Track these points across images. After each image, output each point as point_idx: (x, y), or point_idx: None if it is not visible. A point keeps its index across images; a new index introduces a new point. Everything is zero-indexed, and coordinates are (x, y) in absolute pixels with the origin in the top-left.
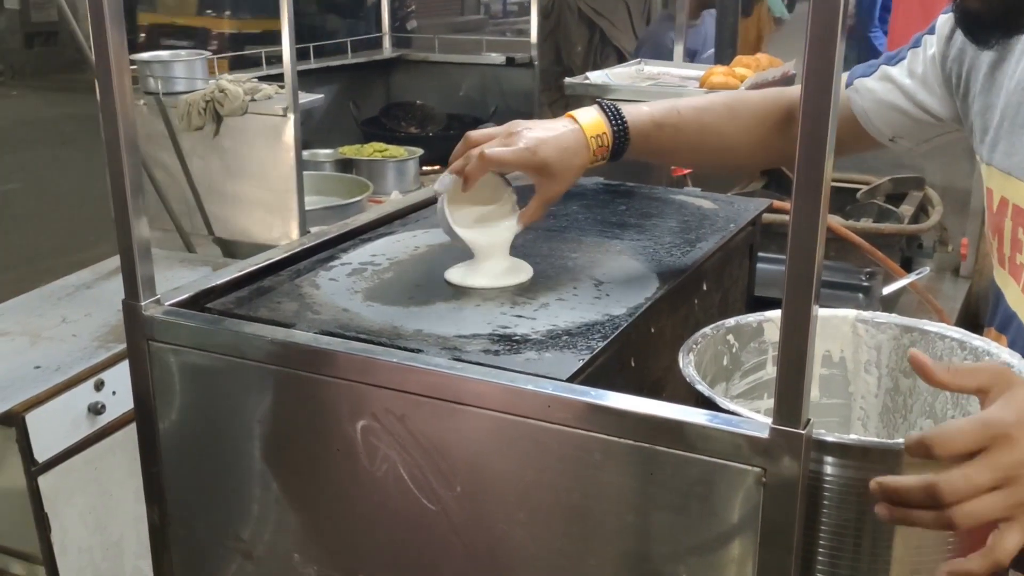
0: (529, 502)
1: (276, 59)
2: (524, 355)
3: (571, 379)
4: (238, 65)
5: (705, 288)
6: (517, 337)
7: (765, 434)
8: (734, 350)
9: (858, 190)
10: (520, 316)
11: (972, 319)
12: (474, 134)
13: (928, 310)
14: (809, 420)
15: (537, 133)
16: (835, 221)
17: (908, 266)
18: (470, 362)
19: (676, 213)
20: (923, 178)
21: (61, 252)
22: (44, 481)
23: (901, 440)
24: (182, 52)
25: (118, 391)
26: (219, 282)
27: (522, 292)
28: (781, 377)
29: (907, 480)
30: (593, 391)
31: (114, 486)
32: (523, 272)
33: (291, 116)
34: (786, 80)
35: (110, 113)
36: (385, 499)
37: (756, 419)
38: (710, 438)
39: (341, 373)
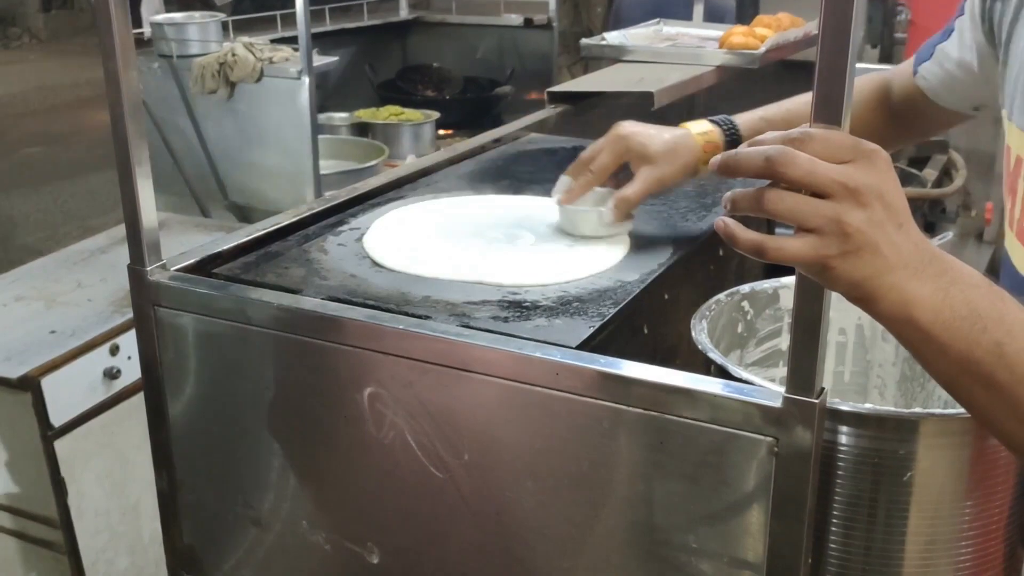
0: (537, 470)
1: (291, 21)
2: (534, 322)
3: (581, 346)
4: (252, 27)
5: (722, 254)
6: (527, 303)
7: (778, 403)
8: (749, 317)
9: None
10: (530, 281)
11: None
12: (586, 153)
13: None
14: (823, 389)
15: (641, 128)
16: None
17: (931, 231)
18: (478, 328)
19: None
20: (947, 141)
21: (79, 216)
22: (60, 445)
23: (917, 410)
24: (196, 14)
25: (133, 356)
26: (226, 247)
27: (533, 256)
28: (794, 345)
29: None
30: (602, 359)
31: (130, 450)
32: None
33: (305, 79)
34: (808, 41)
35: (113, 77)
36: (393, 467)
37: (769, 388)
38: (721, 407)
39: (348, 340)
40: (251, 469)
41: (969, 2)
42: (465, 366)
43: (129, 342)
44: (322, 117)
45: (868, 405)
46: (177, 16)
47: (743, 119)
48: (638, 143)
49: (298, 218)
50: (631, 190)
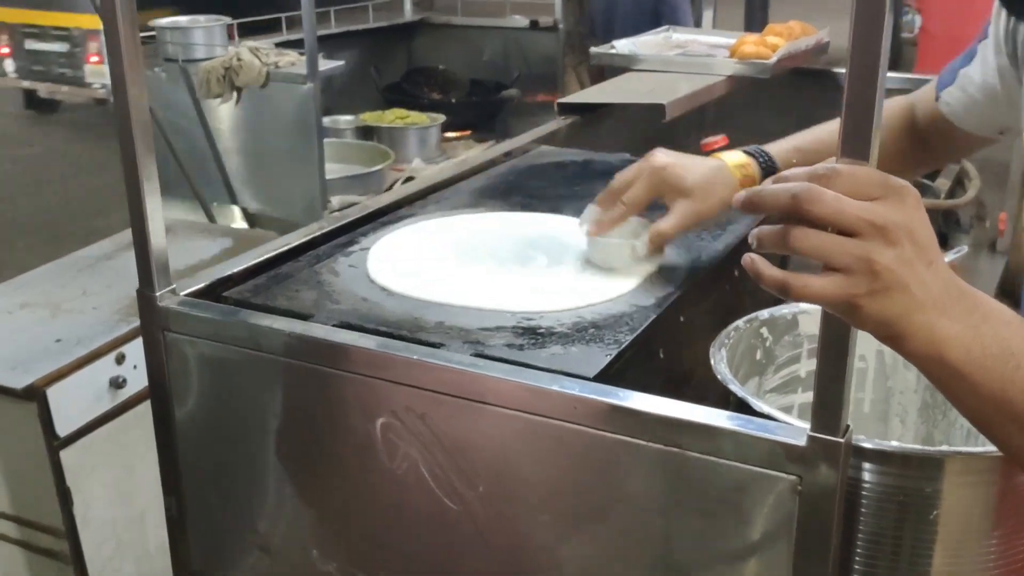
0: (554, 504)
1: (297, 23)
2: (549, 349)
3: (598, 376)
4: (257, 30)
5: (737, 274)
6: (542, 330)
7: (802, 441)
8: (768, 344)
9: None
10: (545, 306)
11: (1010, 295)
12: (618, 183)
13: None
14: (848, 427)
15: (677, 160)
16: None
17: (944, 242)
18: (493, 357)
19: None
20: None
21: (82, 216)
22: (66, 455)
23: (944, 448)
24: (201, 18)
25: (139, 365)
26: (236, 269)
27: (548, 277)
28: (820, 383)
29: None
30: (621, 392)
31: (136, 459)
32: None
33: (311, 85)
34: (819, 48)
35: (121, 94)
36: (406, 497)
37: (792, 424)
38: (743, 444)
39: (360, 369)
40: (261, 496)
41: (992, 25)
42: (481, 398)
43: (135, 351)
44: (327, 120)
45: (894, 443)
46: (182, 19)
47: (776, 149)
48: (674, 176)
49: (309, 238)
50: (668, 225)
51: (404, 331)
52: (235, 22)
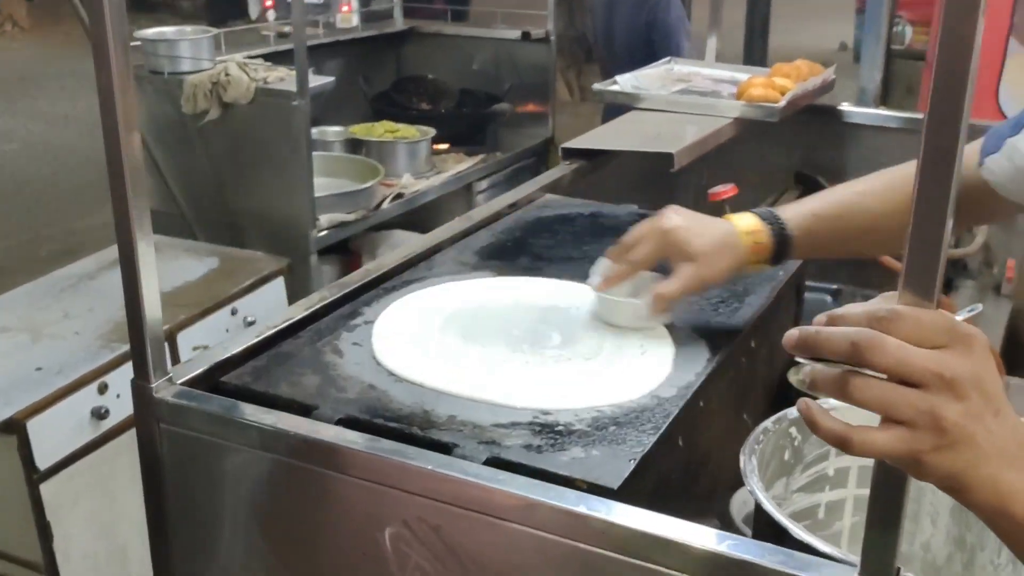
0: None
1: (284, 34)
2: (569, 452)
3: (623, 486)
4: (244, 41)
5: (753, 345)
6: (560, 427)
7: None
8: (796, 443)
9: None
10: (562, 395)
11: (1016, 341)
12: (628, 239)
13: None
14: (899, 570)
15: (685, 223)
16: None
17: (949, 287)
18: (511, 462)
19: None
20: None
21: (62, 218)
22: (46, 489)
23: None
24: (187, 29)
25: (122, 394)
26: (234, 351)
27: (563, 358)
28: (871, 526)
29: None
30: (654, 518)
31: (118, 490)
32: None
33: (302, 102)
34: (826, 86)
35: (114, 144)
36: None
37: (840, 564)
38: None
39: (371, 476)
40: None
41: None
42: (499, 514)
43: (117, 379)
44: (315, 131)
45: None
46: (168, 31)
47: (790, 214)
48: (681, 240)
49: (310, 311)
50: (669, 288)
51: (415, 427)
52: (222, 31)
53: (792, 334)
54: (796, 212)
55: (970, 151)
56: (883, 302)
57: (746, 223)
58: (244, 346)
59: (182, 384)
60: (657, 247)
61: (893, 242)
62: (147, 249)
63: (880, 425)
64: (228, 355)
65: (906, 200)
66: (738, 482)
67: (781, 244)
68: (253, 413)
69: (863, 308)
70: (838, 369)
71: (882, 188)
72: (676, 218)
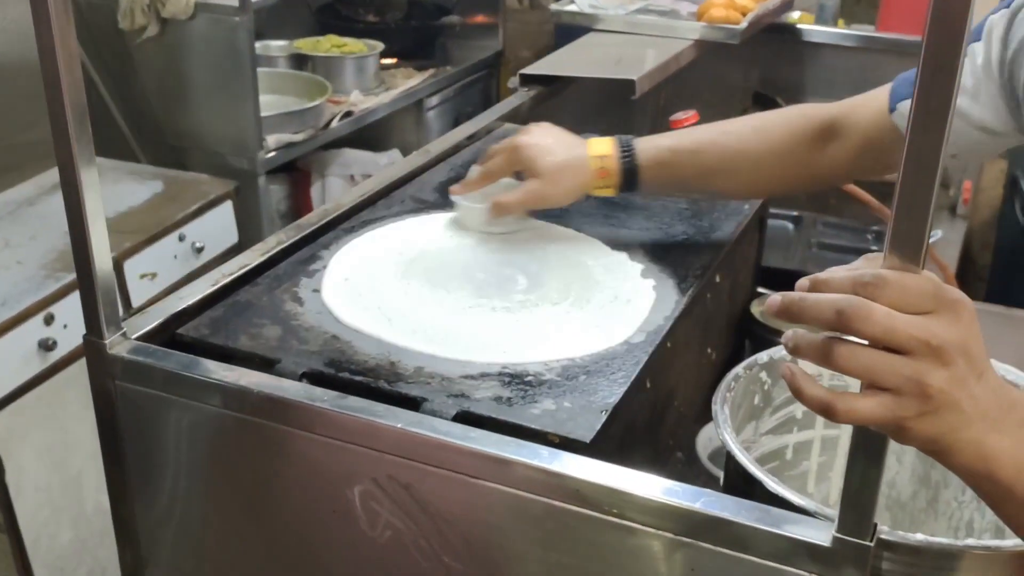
0: None
1: None
2: (540, 404)
3: (595, 439)
4: None
5: (718, 280)
6: (530, 378)
7: (827, 542)
8: (766, 387)
9: None
10: (531, 344)
11: (969, 259)
12: (489, 151)
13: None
14: (876, 527)
15: (539, 140)
16: None
17: None
18: (482, 416)
19: None
20: None
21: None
22: None
23: (970, 541)
24: None
25: (69, 324)
26: (190, 302)
27: (531, 303)
28: (849, 483)
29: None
30: (629, 474)
31: (70, 420)
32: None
33: (244, 18)
34: (786, 4)
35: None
36: (388, 566)
37: (819, 517)
38: (762, 540)
39: (338, 435)
40: (225, 556)
41: (982, 52)
42: (472, 472)
43: (64, 310)
44: (258, 46)
45: (919, 536)
46: None
47: (646, 145)
48: (528, 157)
49: (267, 256)
50: (510, 199)
51: (382, 381)
52: None
53: (775, 300)
54: (652, 144)
55: (881, 95)
56: (867, 264)
57: (598, 148)
58: (200, 296)
59: (137, 339)
60: (508, 161)
61: (754, 184)
62: (94, 198)
63: (863, 392)
64: (183, 306)
65: (773, 143)
66: (702, 417)
67: (629, 173)
68: (214, 370)
69: (847, 273)
70: (821, 335)
71: (749, 130)
72: (534, 136)
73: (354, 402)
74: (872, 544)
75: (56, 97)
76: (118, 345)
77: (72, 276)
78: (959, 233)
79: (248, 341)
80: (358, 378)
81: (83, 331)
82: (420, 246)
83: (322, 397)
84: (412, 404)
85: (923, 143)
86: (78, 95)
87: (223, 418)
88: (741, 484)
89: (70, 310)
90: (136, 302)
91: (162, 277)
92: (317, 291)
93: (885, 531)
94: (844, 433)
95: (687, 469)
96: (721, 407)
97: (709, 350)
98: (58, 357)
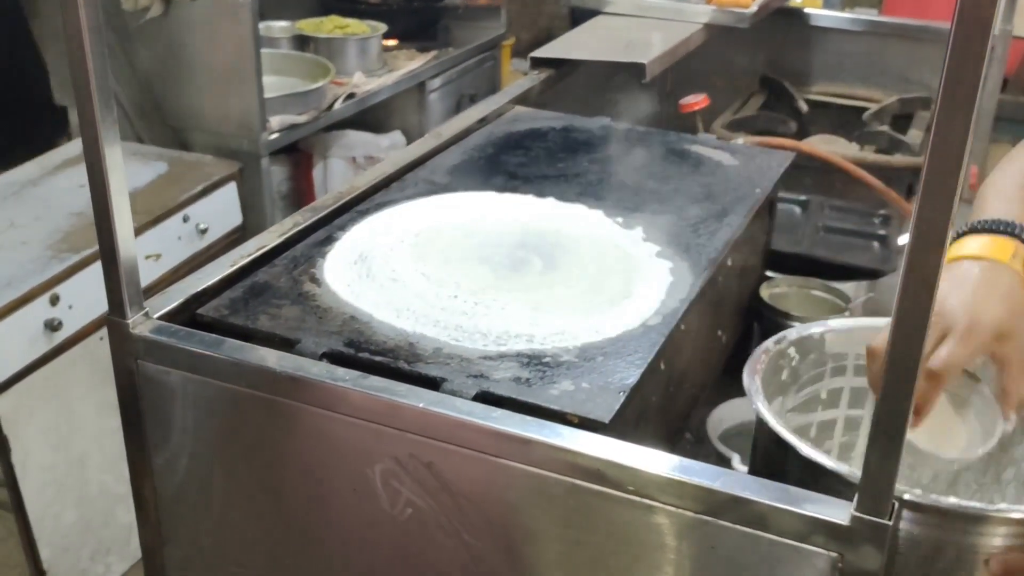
0: (572, 565)
1: None
2: (559, 385)
3: (614, 419)
4: None
5: (730, 263)
6: (548, 359)
7: (846, 520)
8: (793, 363)
9: (863, 109)
10: (549, 325)
11: None
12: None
13: None
14: (895, 506)
15: (959, 300)
16: (843, 153)
17: (911, 192)
18: (501, 397)
19: (695, 172)
20: (931, 97)
21: None
22: (2, 402)
23: (1002, 505)
24: None
25: (75, 304)
26: (209, 283)
27: (547, 284)
28: (870, 461)
29: None
30: (650, 454)
31: (75, 401)
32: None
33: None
34: None
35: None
36: (408, 544)
37: (836, 501)
38: (781, 518)
39: (359, 414)
40: (245, 534)
41: None
42: (493, 451)
43: (69, 290)
44: (261, 27)
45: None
46: None
47: (1005, 208)
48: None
49: (284, 238)
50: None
51: (402, 362)
52: None
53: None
54: (1004, 203)
55: None
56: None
57: (1000, 253)
58: (219, 276)
59: (159, 319)
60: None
61: None
62: (119, 179)
63: None
64: (203, 287)
65: None
66: (711, 399)
67: None
68: (236, 349)
69: None
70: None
71: None
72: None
73: (376, 382)
74: (891, 523)
75: (82, 79)
76: (140, 325)
77: (77, 256)
78: (963, 217)
79: (267, 321)
80: (378, 358)
81: (88, 312)
82: (435, 227)
83: (344, 377)
84: (431, 384)
85: (949, 131)
86: (104, 77)
87: (246, 397)
88: (774, 450)
89: (75, 291)
90: (141, 283)
91: (166, 258)
92: (335, 272)
93: (918, 493)
94: (867, 414)
95: (697, 450)
96: (752, 378)
97: (719, 332)
98: (63, 338)
